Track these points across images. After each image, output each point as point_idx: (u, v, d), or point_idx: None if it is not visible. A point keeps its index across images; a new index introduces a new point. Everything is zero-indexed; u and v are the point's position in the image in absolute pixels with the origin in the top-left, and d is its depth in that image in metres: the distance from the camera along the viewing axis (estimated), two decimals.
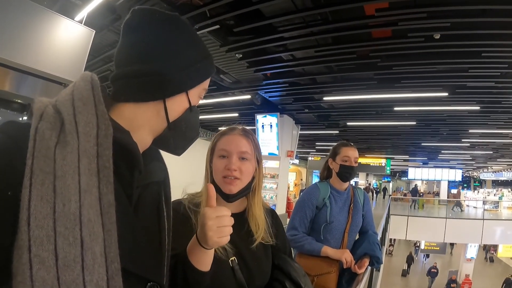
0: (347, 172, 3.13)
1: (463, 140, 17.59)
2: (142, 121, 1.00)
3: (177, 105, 1.04)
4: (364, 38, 6.98)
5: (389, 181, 49.51)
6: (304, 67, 8.91)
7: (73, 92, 0.87)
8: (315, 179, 33.07)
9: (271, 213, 1.88)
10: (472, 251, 24.00)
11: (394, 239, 28.52)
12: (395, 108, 11.51)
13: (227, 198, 1.61)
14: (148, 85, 0.98)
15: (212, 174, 1.66)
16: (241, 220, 1.70)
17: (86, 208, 0.74)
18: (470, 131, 14.96)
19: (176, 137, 1.07)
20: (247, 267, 1.60)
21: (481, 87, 9.06)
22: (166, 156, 1.19)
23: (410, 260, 27.21)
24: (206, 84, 1.12)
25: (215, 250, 1.43)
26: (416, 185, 33.37)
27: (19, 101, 11.43)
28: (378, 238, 3.38)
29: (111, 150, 0.82)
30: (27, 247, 0.67)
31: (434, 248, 26.24)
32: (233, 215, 1.58)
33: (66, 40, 6.02)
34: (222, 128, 1.78)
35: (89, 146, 0.79)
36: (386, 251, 24.50)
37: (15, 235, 0.68)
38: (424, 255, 28.08)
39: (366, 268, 3.03)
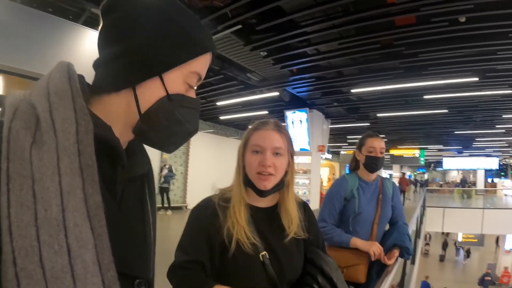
0: (372, 163, 3.14)
1: (497, 126, 17.18)
2: (117, 114, 0.88)
3: (149, 93, 0.86)
4: (387, 26, 6.95)
5: (424, 172, 48.73)
6: (330, 61, 8.92)
7: (48, 85, 0.78)
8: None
9: (303, 206, 1.85)
10: (511, 242, 23.43)
11: (430, 236, 27.63)
12: (425, 96, 11.37)
13: (261, 194, 1.61)
14: (116, 70, 0.86)
15: (244, 169, 1.66)
16: (272, 215, 1.70)
17: (71, 212, 0.67)
18: (504, 116, 14.63)
19: (157, 130, 0.89)
20: (278, 262, 1.58)
21: None
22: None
23: (445, 245, 27.39)
24: (196, 65, 0.91)
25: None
26: (464, 176, 32.52)
27: None
28: (410, 231, 3.36)
29: (93, 146, 0.74)
30: (12, 260, 0.61)
31: (472, 240, 25.68)
32: (265, 209, 1.69)
33: (91, 51, 6.17)
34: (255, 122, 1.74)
35: (69, 144, 0.71)
36: (422, 250, 23.90)
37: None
38: (464, 255, 26.46)
39: (396, 259, 3.03)
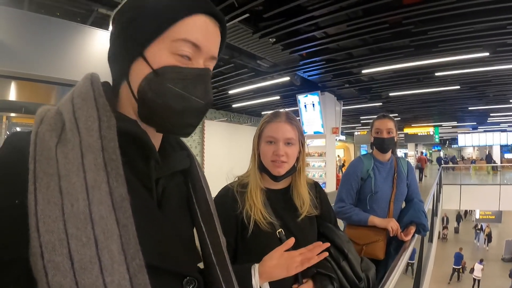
0: (378, 144, 3.27)
1: (511, 100, 16.94)
2: (127, 106, 0.90)
3: (136, 73, 0.86)
4: (394, 5, 6.93)
5: (439, 150, 48.41)
6: (339, 43, 8.93)
7: (73, 92, 0.83)
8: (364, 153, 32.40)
9: (314, 185, 2.03)
10: None
11: (447, 219, 27.11)
12: (437, 74, 11.32)
13: (275, 179, 1.80)
14: (112, 66, 0.92)
15: (259, 157, 1.83)
16: (286, 195, 1.88)
17: (96, 205, 0.69)
18: None
19: (157, 112, 0.86)
20: (293, 237, 1.62)
21: None
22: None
23: (459, 218, 28.03)
24: (179, 33, 0.85)
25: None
26: (488, 151, 32.14)
27: None
28: (426, 209, 3.44)
29: (117, 141, 0.76)
30: (40, 254, 0.64)
31: (490, 217, 25.56)
32: (279, 190, 1.88)
33: (104, 50, 6.22)
34: (267, 113, 1.93)
35: (93, 141, 0.73)
36: (440, 235, 23.75)
37: (27, 244, 0.65)
38: (484, 239, 25.28)
39: (413, 236, 3.13)
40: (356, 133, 29.95)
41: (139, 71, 0.85)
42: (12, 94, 8.01)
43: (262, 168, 1.83)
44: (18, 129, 8.71)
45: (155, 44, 0.85)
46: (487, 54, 9.09)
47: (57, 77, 5.65)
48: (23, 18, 5.49)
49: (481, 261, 19.97)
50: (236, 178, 1.91)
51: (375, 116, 3.38)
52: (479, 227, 25.91)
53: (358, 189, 3.25)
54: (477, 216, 26.32)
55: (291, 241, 1.43)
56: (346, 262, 1.82)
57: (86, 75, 0.87)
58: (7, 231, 0.66)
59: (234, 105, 16.87)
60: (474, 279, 19.40)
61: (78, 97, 0.80)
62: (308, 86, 13.02)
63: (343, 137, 29.11)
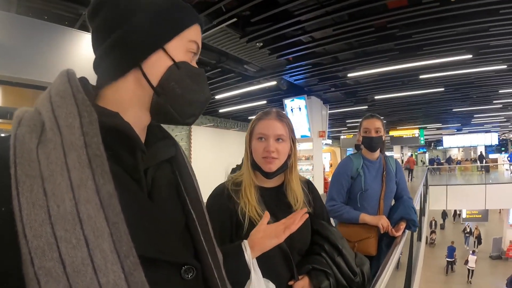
0: (367, 143, 3.31)
1: (494, 101, 17.25)
2: (128, 98, 0.90)
3: (157, 65, 0.90)
4: (379, 10, 7.04)
5: (424, 152, 48.73)
6: (325, 47, 9.00)
7: (50, 90, 0.81)
8: None
9: (307, 183, 2.06)
10: None
11: (435, 222, 27.42)
12: (421, 76, 11.46)
13: (267, 175, 1.81)
14: (117, 57, 0.90)
15: (252, 155, 1.85)
16: (279, 193, 1.90)
17: (83, 204, 0.67)
18: (500, 91, 14.70)
19: (174, 102, 0.92)
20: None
21: (505, 44, 8.92)
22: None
23: (444, 215, 28.71)
24: (191, 35, 0.95)
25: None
26: (481, 152, 32.31)
27: None
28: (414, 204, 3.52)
29: (100, 136, 0.74)
30: (30, 261, 0.61)
31: (476, 216, 25.78)
32: (272, 188, 1.91)
33: (91, 54, 6.18)
34: (258, 113, 1.94)
35: (75, 138, 0.71)
36: (427, 240, 23.69)
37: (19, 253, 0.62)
38: (474, 242, 24.90)
39: (404, 231, 3.19)
40: (342, 137, 30.10)
41: (160, 63, 0.89)
42: None
43: (254, 166, 1.84)
44: (3, 135, 8.63)
45: (175, 40, 0.91)
46: (470, 56, 9.25)
47: (44, 81, 5.61)
48: (11, 21, 5.47)
49: (473, 252, 20.55)
50: (230, 177, 1.93)
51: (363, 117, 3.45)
52: (468, 230, 25.71)
53: (349, 187, 3.30)
54: (464, 216, 26.49)
55: (267, 214, 1.47)
56: (341, 257, 1.86)
57: (62, 72, 0.85)
58: None
59: (220, 110, 16.77)
60: (469, 270, 19.96)
61: (56, 95, 0.78)
62: (295, 91, 13.08)
63: (329, 141, 29.18)
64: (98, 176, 0.70)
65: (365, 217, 3.10)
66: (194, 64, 0.97)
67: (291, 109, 13.69)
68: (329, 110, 15.60)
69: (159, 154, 0.98)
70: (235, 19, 6.95)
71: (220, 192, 1.84)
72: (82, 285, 0.63)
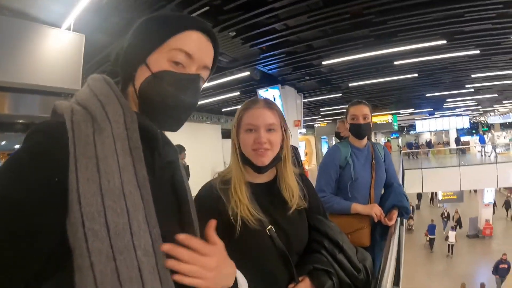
0: (355, 130, 3.21)
1: (466, 86, 17.46)
2: (132, 104, 1.07)
3: (140, 78, 1.04)
4: None
5: (397, 137, 49.36)
6: (299, 35, 8.84)
7: (92, 91, 0.98)
8: (324, 146, 33.15)
9: (300, 176, 1.89)
10: (489, 196, 23.98)
11: (413, 208, 27.79)
12: (395, 63, 11.44)
13: (259, 170, 1.66)
14: (121, 73, 1.11)
15: (240, 149, 1.69)
16: (272, 189, 1.74)
17: (126, 183, 0.87)
18: (472, 76, 14.84)
19: (153, 108, 1.05)
20: (284, 234, 1.62)
21: (479, 30, 8.93)
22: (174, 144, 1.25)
23: (419, 196, 29.56)
24: (175, 43, 1.04)
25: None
26: (458, 135, 32.66)
27: (21, 121, 11.39)
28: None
29: (138, 132, 0.95)
30: (81, 223, 0.78)
31: (452, 197, 26.14)
32: (264, 184, 1.74)
33: (58, 50, 6.03)
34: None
35: (120, 131, 0.91)
36: (405, 226, 24.03)
37: (65, 215, 0.79)
38: (455, 227, 24.04)
39: (396, 220, 3.08)
40: (316, 125, 30.17)
41: (141, 75, 1.04)
42: None
43: (244, 160, 1.69)
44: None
45: (156, 53, 1.04)
46: (445, 41, 9.22)
47: (8, 81, 5.35)
48: None
49: (453, 228, 21.89)
50: (217, 175, 1.77)
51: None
52: (445, 214, 25.92)
53: (337, 177, 3.18)
54: (440, 197, 26.85)
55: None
56: (342, 254, 1.72)
57: (98, 77, 1.05)
58: (47, 203, 0.79)
59: None
60: (449, 245, 20.86)
61: (102, 95, 0.97)
62: (268, 81, 12.90)
63: (303, 130, 29.19)
64: (137, 163, 0.91)
65: (357, 207, 2.98)
66: (189, 68, 1.07)
67: None
68: (303, 99, 15.51)
69: (166, 157, 1.15)
70: (207, 8, 6.69)
71: (207, 193, 1.67)
72: (120, 245, 0.81)
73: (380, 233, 3.02)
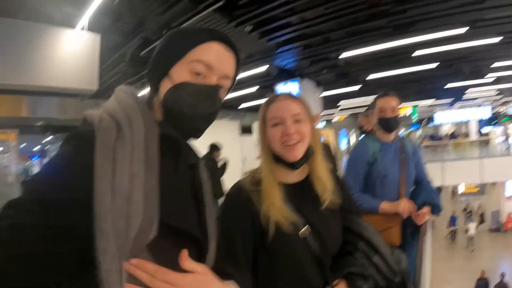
0: (384, 124, 3.09)
1: (487, 75, 17.10)
2: (158, 114, 1.15)
3: (164, 87, 1.13)
4: None
5: (417, 129, 48.83)
6: (315, 27, 8.70)
7: (119, 103, 1.07)
8: (343, 139, 32.92)
9: (333, 173, 1.83)
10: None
11: None
12: (414, 53, 11.22)
13: (292, 166, 1.60)
14: (148, 83, 1.21)
15: (269, 146, 1.64)
16: (306, 188, 1.68)
17: (134, 190, 0.91)
18: (493, 65, 14.49)
19: (174, 117, 1.12)
20: (319, 236, 1.57)
21: (500, 17, 8.68)
22: (194, 142, 1.30)
23: (439, 190, 28.10)
24: (195, 55, 1.12)
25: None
26: (479, 125, 32.11)
27: (40, 123, 11.50)
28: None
29: (156, 145, 1.02)
30: (94, 220, 0.85)
31: (473, 190, 25.79)
32: (297, 184, 1.68)
33: (74, 51, 6.09)
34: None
35: (140, 141, 0.98)
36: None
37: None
38: (478, 223, 24.20)
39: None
40: (334, 120, 29.95)
41: (165, 87, 1.13)
42: None
43: (275, 158, 1.61)
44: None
45: (177, 65, 1.13)
46: (465, 29, 8.98)
47: (26, 84, 5.36)
48: None
49: (473, 220, 21.94)
50: (247, 175, 1.70)
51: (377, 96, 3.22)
52: (468, 209, 25.34)
53: (365, 174, 3.07)
54: (462, 191, 26.52)
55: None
56: (378, 256, 1.63)
57: (125, 89, 1.15)
58: (81, 203, 0.85)
59: None
60: (469, 237, 20.89)
61: (128, 107, 1.05)
62: (285, 75, 12.79)
63: (321, 124, 28.98)
64: (148, 173, 0.96)
65: (384, 206, 2.88)
66: (210, 79, 1.13)
67: None
68: (322, 93, 15.35)
69: (189, 160, 1.23)
70: (222, 2, 6.59)
71: (238, 194, 1.62)
72: (119, 244, 0.86)
73: (411, 232, 2.93)
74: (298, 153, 1.57)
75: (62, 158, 0.95)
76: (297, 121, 1.59)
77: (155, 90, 1.17)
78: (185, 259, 1.02)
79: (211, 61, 1.12)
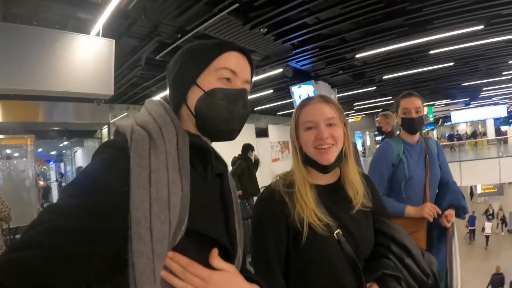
0: (408, 125, 3.04)
1: (503, 73, 16.88)
2: (188, 121, 1.21)
3: (193, 97, 1.19)
4: None
5: (432, 129, 48.42)
6: (331, 28, 8.66)
7: (150, 114, 1.12)
8: (358, 140, 32.73)
9: (364, 176, 1.83)
10: None
11: None
12: (431, 52, 11.10)
13: (325, 169, 1.60)
14: (172, 93, 1.26)
15: (301, 149, 1.66)
16: (338, 190, 1.69)
17: (173, 195, 0.97)
18: (510, 62, 14.31)
19: (208, 122, 1.18)
20: (352, 237, 1.57)
21: None
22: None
23: None
24: (220, 63, 1.20)
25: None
26: (497, 124, 31.72)
27: (56, 128, 11.64)
28: None
29: (188, 153, 1.08)
30: (129, 226, 0.90)
31: (491, 190, 25.48)
32: (329, 185, 1.68)
33: (89, 56, 6.12)
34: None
35: (172, 150, 1.04)
36: None
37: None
38: (498, 225, 23.91)
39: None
40: (350, 120, 29.85)
41: (194, 95, 1.19)
42: None
43: (307, 161, 1.63)
44: (8, 151, 9.92)
45: (204, 74, 1.20)
46: (482, 27, 8.89)
47: (43, 90, 5.42)
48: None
49: (489, 219, 21.89)
50: (278, 177, 1.71)
51: (400, 95, 3.16)
52: (490, 211, 24.76)
53: (390, 176, 3.02)
54: (479, 191, 26.22)
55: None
56: (411, 258, 1.62)
57: (156, 102, 1.21)
58: (114, 210, 0.90)
59: None
60: (486, 236, 21.05)
61: (159, 117, 1.10)
62: (301, 77, 12.73)
63: None
64: (183, 180, 1.02)
65: (410, 211, 2.82)
66: (235, 83, 1.22)
67: (299, 96, 13.29)
68: (337, 94, 15.30)
69: (217, 169, 1.27)
70: (237, 5, 6.61)
71: (271, 197, 1.62)
72: (159, 251, 0.92)
73: (437, 235, 2.89)
74: (331, 157, 1.57)
75: (99, 165, 0.98)
76: (330, 125, 1.60)
77: (181, 100, 1.21)
78: (215, 257, 1.09)
79: (235, 68, 1.21)
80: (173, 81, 1.24)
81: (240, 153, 9.18)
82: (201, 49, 1.23)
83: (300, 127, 1.66)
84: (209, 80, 1.18)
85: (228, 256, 1.18)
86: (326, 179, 1.69)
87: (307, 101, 1.70)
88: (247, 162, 9.03)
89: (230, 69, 1.20)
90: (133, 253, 0.89)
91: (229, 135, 1.23)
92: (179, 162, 1.04)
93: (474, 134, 33.05)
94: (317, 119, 1.59)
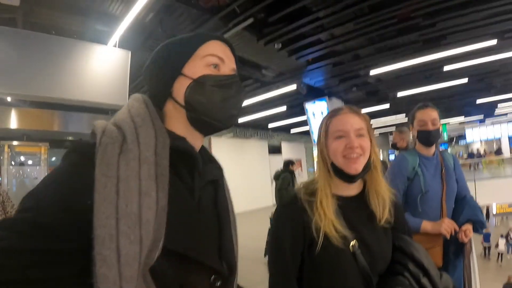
0: (424, 137, 2.99)
1: None
2: (175, 118, 1.11)
3: (181, 88, 1.09)
4: None
5: (446, 148, 48.01)
6: (345, 44, 8.73)
7: (129, 111, 1.01)
8: None
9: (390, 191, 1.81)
10: None
11: None
12: (445, 68, 11.07)
13: (351, 179, 1.61)
14: (153, 87, 1.15)
15: (329, 158, 1.65)
16: (361, 202, 1.69)
17: (146, 209, 0.85)
18: None
19: (203, 111, 1.08)
20: (369, 251, 1.56)
21: None
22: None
23: None
24: (206, 50, 1.13)
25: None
26: None
27: (70, 138, 11.75)
28: None
29: (168, 160, 0.95)
30: (92, 246, 0.77)
31: (507, 210, 25.09)
32: (353, 197, 1.71)
33: (105, 66, 6.29)
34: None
35: (149, 155, 0.91)
36: None
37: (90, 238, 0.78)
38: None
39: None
40: None
41: (181, 85, 1.09)
42: (13, 121, 7.92)
43: (335, 170, 1.63)
44: (22, 158, 10.04)
45: (189, 63, 1.11)
46: (496, 41, 8.86)
47: (58, 97, 5.50)
48: (18, 38, 5.35)
49: (503, 236, 21.23)
50: (301, 185, 1.73)
51: (415, 107, 3.15)
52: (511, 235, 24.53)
53: (405, 190, 2.98)
54: (494, 211, 25.82)
55: None
56: (427, 278, 1.59)
57: (138, 97, 1.09)
58: (77, 227, 0.79)
59: (239, 120, 16.51)
60: (499, 253, 20.30)
61: (138, 116, 0.99)
62: (314, 94, 12.76)
63: None
64: (160, 191, 0.89)
65: (426, 227, 2.76)
66: (224, 70, 1.15)
67: (313, 113, 13.34)
68: None
69: (207, 176, 1.15)
70: (251, 20, 6.72)
71: (291, 202, 1.65)
72: (128, 275, 0.79)
73: (453, 251, 2.83)
74: (359, 166, 1.58)
75: (59, 174, 0.88)
76: (359, 135, 1.61)
77: (165, 95, 1.12)
78: None
79: (222, 54, 1.15)
80: (154, 77, 1.14)
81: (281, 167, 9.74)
82: (183, 39, 1.16)
83: (329, 137, 1.67)
84: (196, 68, 1.10)
85: (220, 275, 1.08)
86: (349, 191, 1.69)
87: (337, 111, 1.71)
88: (291, 175, 9.41)
89: (218, 56, 1.14)
90: (97, 278, 0.77)
91: (227, 122, 1.13)
92: (157, 170, 0.91)
93: (498, 151, 32.50)
94: (348, 129, 1.61)
